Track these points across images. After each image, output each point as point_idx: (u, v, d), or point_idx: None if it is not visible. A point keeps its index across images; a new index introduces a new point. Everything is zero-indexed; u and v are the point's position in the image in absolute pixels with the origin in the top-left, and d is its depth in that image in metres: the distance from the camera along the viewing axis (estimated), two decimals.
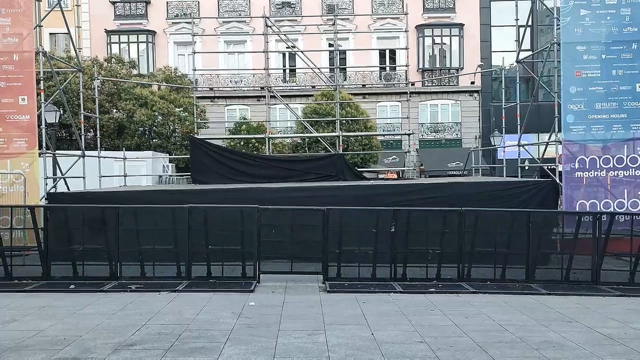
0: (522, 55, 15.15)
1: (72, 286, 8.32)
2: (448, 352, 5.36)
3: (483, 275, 8.82)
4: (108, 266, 8.70)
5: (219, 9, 29.07)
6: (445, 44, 29.66)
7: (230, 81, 28.47)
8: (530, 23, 16.80)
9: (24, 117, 11.20)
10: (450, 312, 6.96)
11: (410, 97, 18.51)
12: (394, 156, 27.02)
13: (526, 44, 25.66)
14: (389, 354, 5.22)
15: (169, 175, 21.93)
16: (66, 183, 13.19)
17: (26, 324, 6.33)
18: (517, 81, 15.08)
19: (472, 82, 29.00)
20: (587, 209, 10.68)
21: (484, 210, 9.21)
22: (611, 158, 11.08)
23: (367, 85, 29.13)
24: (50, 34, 27.56)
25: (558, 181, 11.53)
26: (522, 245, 8.79)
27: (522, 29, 14.81)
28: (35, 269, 8.71)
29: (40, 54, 12.13)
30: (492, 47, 29.12)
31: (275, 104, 22.57)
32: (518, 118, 14.10)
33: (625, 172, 11.02)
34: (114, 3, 29.30)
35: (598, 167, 11.06)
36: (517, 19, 14.54)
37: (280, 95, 18.70)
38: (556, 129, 12.01)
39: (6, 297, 7.73)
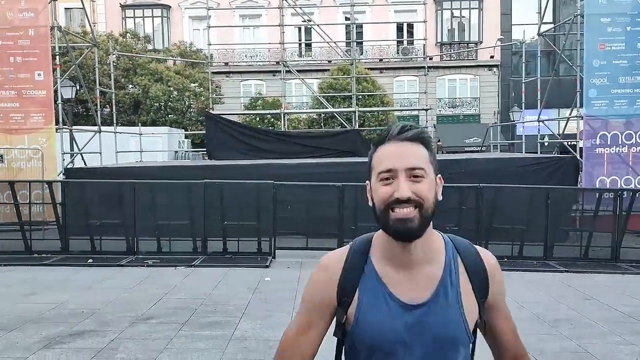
0: (544, 28, 14.76)
1: (90, 260, 8.45)
2: None
3: (500, 252, 8.72)
4: (125, 241, 8.80)
5: None
6: (464, 17, 29.01)
7: (246, 56, 28.23)
8: None
9: (41, 92, 11.24)
10: None
11: (428, 71, 18.19)
12: None
13: (548, 17, 24.94)
14: None
15: (185, 151, 21.99)
16: (83, 158, 13.28)
17: (46, 296, 6.44)
18: (538, 55, 14.69)
19: (492, 56, 28.40)
20: (608, 186, 10.50)
21: (502, 186, 9.09)
22: (634, 134, 10.82)
23: (384, 60, 28.70)
24: (66, 8, 27.45)
25: (578, 157, 11.32)
26: (541, 222, 8.70)
27: (544, 1, 14.38)
28: (54, 243, 8.85)
29: (56, 28, 12.11)
30: (513, 20, 28.39)
31: (290, 79, 22.34)
32: (538, 93, 13.80)
33: None
34: None
35: (620, 142, 10.81)
36: None
37: (296, 70, 18.48)
38: (578, 104, 11.76)
39: (26, 270, 7.88)
